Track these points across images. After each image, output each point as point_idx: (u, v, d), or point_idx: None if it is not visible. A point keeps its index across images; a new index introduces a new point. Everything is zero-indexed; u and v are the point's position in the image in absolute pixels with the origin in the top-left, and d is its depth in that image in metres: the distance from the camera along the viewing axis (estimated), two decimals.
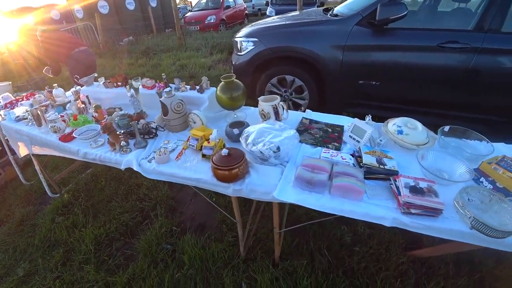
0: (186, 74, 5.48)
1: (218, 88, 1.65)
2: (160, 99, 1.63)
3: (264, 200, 1.25)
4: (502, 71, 2.50)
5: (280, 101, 1.57)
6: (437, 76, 2.58)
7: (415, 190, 1.13)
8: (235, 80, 1.62)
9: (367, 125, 1.40)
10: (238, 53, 3.07)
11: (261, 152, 1.23)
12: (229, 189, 1.26)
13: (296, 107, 3.12)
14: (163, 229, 1.98)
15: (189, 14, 11.82)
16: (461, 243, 1.38)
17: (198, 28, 10.57)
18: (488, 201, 1.21)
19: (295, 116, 1.69)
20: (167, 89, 1.61)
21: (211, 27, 10.48)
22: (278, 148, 1.24)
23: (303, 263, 1.67)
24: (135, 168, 1.46)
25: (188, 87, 1.92)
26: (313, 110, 1.86)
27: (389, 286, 1.59)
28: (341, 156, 1.29)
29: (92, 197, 2.35)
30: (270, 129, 1.31)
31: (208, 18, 10.65)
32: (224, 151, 1.24)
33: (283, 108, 1.58)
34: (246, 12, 13.31)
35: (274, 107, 1.54)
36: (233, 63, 3.20)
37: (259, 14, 15.71)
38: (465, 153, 1.51)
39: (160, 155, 1.44)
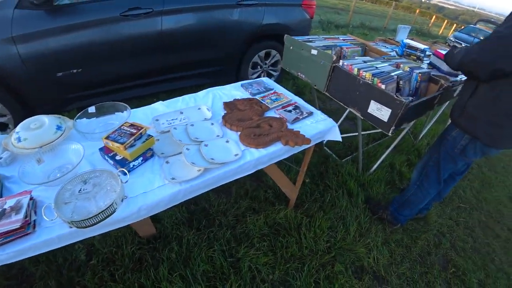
0: None
1: None
2: None
3: None
4: (189, 28, 2.66)
5: None
6: (138, 46, 2.49)
7: None
8: None
9: None
10: None
11: None
12: None
13: (3, 128, 2.33)
14: None
15: None
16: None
17: None
18: (100, 182, 1.16)
19: None
20: None
21: None
22: None
23: None
24: None
25: None
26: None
27: (128, 280, 1.55)
28: None
29: None
30: None
31: None
32: None
33: None
34: None
35: None
36: None
37: None
38: (110, 127, 1.45)
39: None
